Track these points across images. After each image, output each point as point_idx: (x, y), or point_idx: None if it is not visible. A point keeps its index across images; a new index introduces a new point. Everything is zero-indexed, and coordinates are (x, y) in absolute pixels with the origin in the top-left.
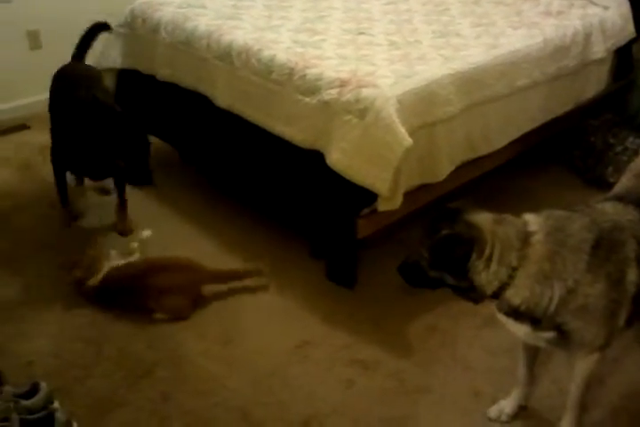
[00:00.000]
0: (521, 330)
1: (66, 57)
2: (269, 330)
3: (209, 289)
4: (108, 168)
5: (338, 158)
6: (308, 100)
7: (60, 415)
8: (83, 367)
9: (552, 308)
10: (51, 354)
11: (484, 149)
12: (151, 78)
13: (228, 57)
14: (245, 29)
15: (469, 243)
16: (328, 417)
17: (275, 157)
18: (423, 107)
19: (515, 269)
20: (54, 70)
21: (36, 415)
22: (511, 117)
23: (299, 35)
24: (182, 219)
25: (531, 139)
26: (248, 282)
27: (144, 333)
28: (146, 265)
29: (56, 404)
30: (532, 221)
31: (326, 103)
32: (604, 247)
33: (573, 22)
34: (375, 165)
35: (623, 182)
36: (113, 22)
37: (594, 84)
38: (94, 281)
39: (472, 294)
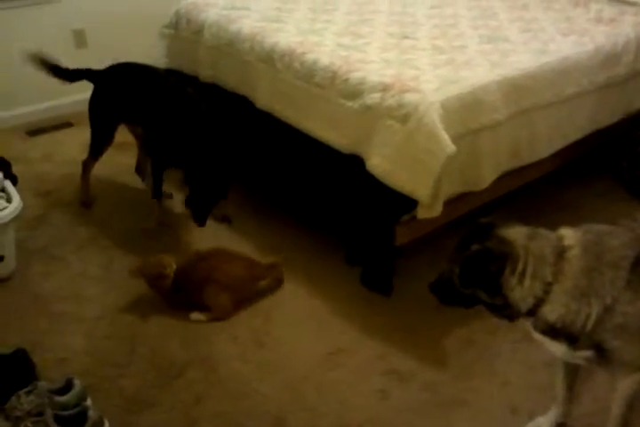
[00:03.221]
0: (558, 349)
1: (110, 56)
2: (303, 335)
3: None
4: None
5: (378, 164)
6: (350, 104)
7: (92, 413)
8: (116, 366)
9: (589, 326)
10: (84, 351)
11: (529, 158)
12: (194, 79)
13: (270, 60)
14: (289, 32)
15: (501, 258)
16: None
17: (314, 160)
18: (468, 113)
19: (550, 284)
20: (99, 68)
21: (69, 412)
22: (558, 126)
23: (342, 38)
24: (217, 222)
25: (577, 149)
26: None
27: (177, 333)
28: (210, 259)
29: (89, 401)
30: (569, 235)
31: (368, 108)
32: None
33: (625, 30)
34: (416, 171)
35: None
36: (158, 23)
37: None
38: (169, 273)
39: (507, 311)
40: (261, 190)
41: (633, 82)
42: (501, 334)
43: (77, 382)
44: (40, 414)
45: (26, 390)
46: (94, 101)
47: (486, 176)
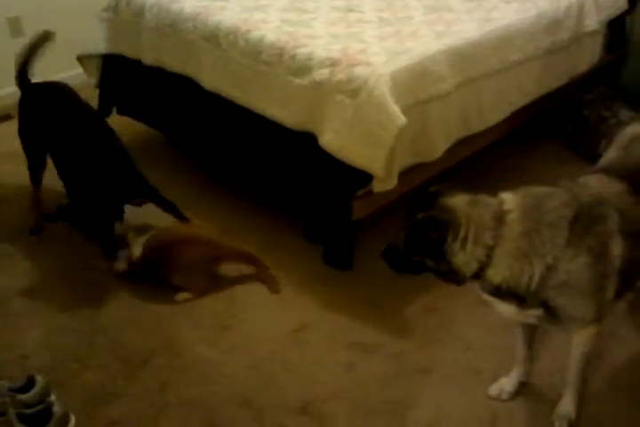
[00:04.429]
0: (508, 309)
1: (50, 44)
2: (266, 315)
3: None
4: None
5: (331, 139)
6: (298, 80)
7: (57, 409)
8: (77, 360)
9: (534, 285)
10: (44, 347)
11: (479, 126)
12: (137, 63)
13: (215, 38)
14: (233, 10)
15: (443, 226)
16: (328, 401)
17: (266, 139)
18: (416, 84)
19: (492, 248)
20: (39, 59)
21: (33, 409)
22: (505, 93)
23: (287, 14)
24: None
25: (524, 114)
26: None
27: (138, 322)
28: (172, 237)
29: (53, 397)
30: (508, 199)
31: (318, 84)
32: (584, 222)
33: None
34: (369, 145)
35: (609, 154)
36: (97, 7)
37: (587, 58)
38: (137, 254)
39: (453, 276)
40: (214, 171)
41: (576, 45)
42: (460, 300)
43: (39, 379)
44: (3, 414)
45: None
46: (19, 122)
47: (438, 146)
